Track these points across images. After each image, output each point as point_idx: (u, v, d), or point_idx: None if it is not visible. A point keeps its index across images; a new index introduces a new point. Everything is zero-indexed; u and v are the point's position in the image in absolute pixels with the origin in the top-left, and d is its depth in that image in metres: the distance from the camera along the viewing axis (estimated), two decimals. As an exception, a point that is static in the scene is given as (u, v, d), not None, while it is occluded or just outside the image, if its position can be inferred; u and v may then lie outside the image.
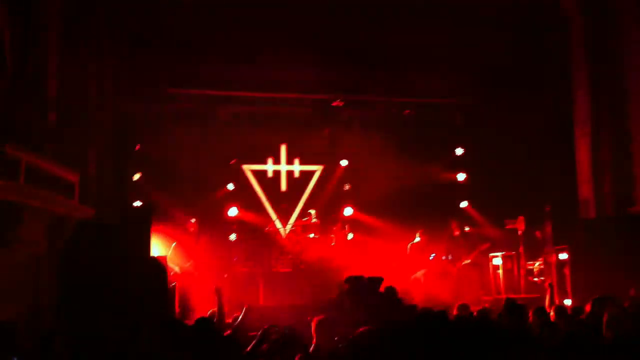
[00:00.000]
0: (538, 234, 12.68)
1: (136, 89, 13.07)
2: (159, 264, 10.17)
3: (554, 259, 11.52)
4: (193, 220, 12.64)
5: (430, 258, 13.07)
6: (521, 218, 12.97)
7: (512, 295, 12.04)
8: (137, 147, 13.53)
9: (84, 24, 10.74)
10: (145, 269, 9.83)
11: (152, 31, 12.65)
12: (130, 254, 9.82)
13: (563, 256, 11.37)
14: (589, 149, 12.18)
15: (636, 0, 11.71)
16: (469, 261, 12.80)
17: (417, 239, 13.24)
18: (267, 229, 13.77)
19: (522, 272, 12.69)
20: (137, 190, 13.23)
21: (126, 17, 12.28)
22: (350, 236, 14.04)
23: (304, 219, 14.02)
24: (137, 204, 13.02)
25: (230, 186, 14.19)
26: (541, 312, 7.14)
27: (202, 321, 6.46)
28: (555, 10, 12.85)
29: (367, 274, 12.36)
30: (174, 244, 12.06)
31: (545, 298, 8.90)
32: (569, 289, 11.06)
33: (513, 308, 6.56)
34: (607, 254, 10.71)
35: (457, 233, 13.37)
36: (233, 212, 13.79)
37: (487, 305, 10.81)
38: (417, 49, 13.47)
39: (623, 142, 11.83)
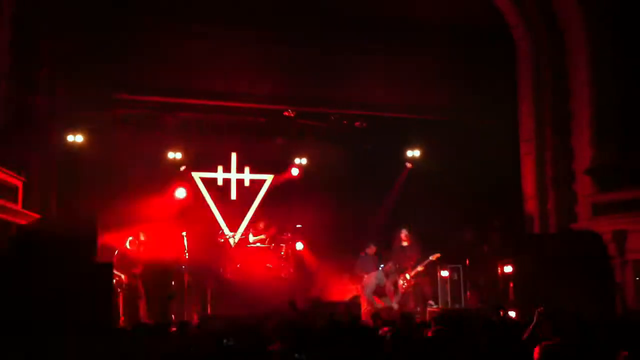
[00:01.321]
0: (484, 247, 12.93)
1: (86, 94, 12.84)
2: (104, 270, 10.05)
3: (500, 272, 11.77)
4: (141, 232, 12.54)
5: (380, 268, 13.21)
6: (468, 230, 13.19)
7: (457, 307, 12.33)
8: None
9: (33, 29, 10.55)
10: (90, 275, 9.67)
11: (102, 37, 12.47)
12: (75, 260, 9.64)
13: (508, 269, 11.62)
14: (533, 166, 12.48)
15: (582, 18, 12.05)
16: (421, 269, 12.93)
17: (366, 252, 13.41)
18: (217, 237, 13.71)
19: (468, 284, 12.91)
20: (83, 195, 12.96)
21: (77, 22, 12.08)
22: (299, 246, 14.07)
23: (254, 230, 14.02)
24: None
25: (181, 193, 14.05)
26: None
27: None
28: (502, 27, 13.13)
29: (312, 284, 12.57)
30: (116, 251, 11.92)
31: None
32: (512, 301, 11.31)
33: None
34: (550, 268, 10.99)
35: (406, 243, 13.48)
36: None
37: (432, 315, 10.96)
38: (369, 62, 13.62)
39: (566, 159, 12.16)
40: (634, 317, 9.54)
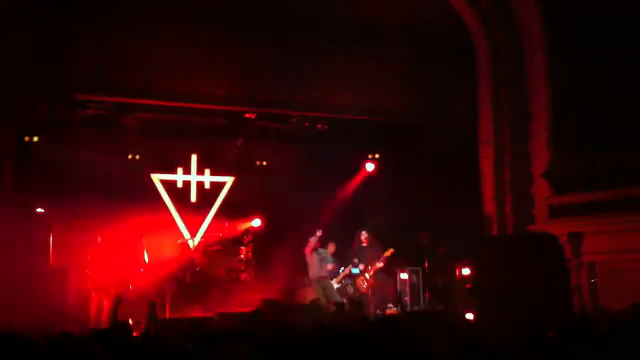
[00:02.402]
0: (442, 249, 13.04)
1: (44, 94, 12.60)
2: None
3: (458, 274, 11.87)
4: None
5: (341, 271, 13.22)
6: (426, 233, 13.28)
7: (415, 309, 12.42)
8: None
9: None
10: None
11: (62, 35, 12.26)
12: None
13: (466, 271, 11.74)
14: (492, 168, 12.63)
15: (541, 24, 12.24)
16: (381, 265, 12.95)
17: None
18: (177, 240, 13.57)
19: (427, 286, 13.01)
20: (40, 196, 12.70)
21: (34, 20, 11.86)
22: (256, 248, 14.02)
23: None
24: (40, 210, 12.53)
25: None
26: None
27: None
28: (463, 31, 13.28)
29: (272, 287, 12.53)
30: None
31: None
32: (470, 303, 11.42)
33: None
34: (508, 270, 11.13)
35: (366, 245, 13.49)
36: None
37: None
38: (331, 64, 13.65)
39: (524, 163, 12.34)
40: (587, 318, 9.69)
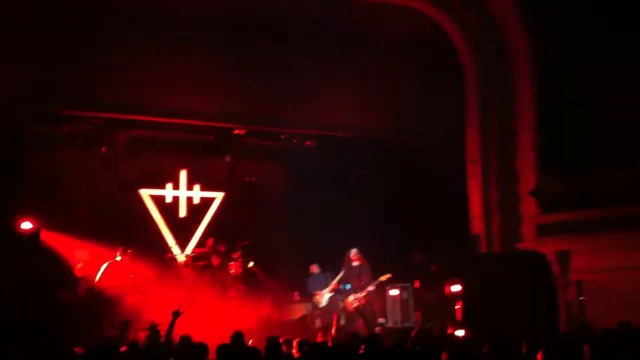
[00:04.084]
0: (434, 267, 13.08)
1: (31, 109, 12.57)
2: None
3: (448, 291, 11.92)
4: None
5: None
6: (418, 250, 13.33)
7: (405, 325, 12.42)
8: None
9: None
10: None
11: (50, 50, 12.25)
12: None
13: (456, 288, 11.79)
14: (479, 187, 12.74)
15: (528, 42, 12.40)
16: (372, 288, 12.97)
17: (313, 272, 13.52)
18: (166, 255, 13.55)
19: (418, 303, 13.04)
20: (26, 212, 12.61)
21: (23, 35, 11.87)
22: (250, 264, 13.98)
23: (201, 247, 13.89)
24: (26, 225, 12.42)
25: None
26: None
27: None
28: (450, 50, 13.41)
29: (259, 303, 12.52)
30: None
31: None
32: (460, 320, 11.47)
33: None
34: (496, 287, 11.21)
35: (357, 263, 13.47)
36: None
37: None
38: (320, 83, 13.73)
39: (511, 181, 12.45)
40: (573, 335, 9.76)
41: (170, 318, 8.12)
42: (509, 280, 11.32)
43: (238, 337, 7.69)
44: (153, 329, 8.65)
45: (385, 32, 13.32)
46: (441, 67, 13.60)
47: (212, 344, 6.96)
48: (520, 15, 12.36)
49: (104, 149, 13.70)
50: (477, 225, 12.69)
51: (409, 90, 14.07)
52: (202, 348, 6.17)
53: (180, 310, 8.18)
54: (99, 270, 12.21)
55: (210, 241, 14.08)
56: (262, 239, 14.32)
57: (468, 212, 12.89)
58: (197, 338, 7.58)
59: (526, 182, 12.27)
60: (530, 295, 11.26)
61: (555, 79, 12.20)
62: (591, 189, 11.42)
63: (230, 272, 13.61)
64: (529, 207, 12.16)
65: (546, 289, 11.53)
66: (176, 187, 14.69)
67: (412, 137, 14.41)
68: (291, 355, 7.73)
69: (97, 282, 12.13)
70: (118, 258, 12.48)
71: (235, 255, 13.86)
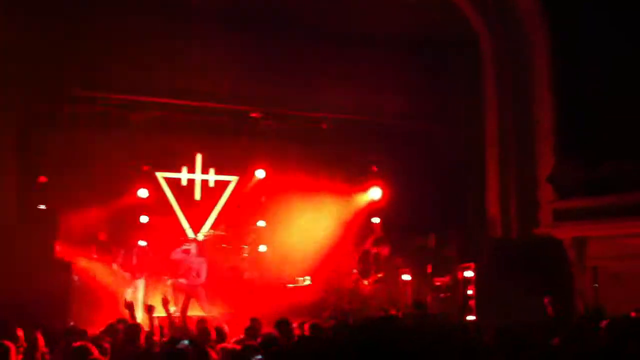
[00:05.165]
0: (448, 252, 12.98)
1: (47, 90, 12.61)
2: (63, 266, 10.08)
3: (460, 276, 11.83)
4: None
5: None
6: (432, 235, 13.25)
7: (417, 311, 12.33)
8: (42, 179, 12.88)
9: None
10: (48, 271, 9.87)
11: (66, 32, 12.29)
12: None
13: (469, 274, 11.69)
14: (497, 171, 12.61)
15: (545, 26, 12.21)
16: (381, 275, 12.94)
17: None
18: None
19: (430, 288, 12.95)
20: (42, 193, 12.66)
21: (38, 18, 11.90)
22: (263, 248, 13.98)
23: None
24: (42, 207, 12.49)
25: (143, 193, 13.78)
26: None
27: None
28: (466, 34, 13.25)
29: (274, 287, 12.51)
30: None
31: None
32: (473, 306, 11.39)
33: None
34: (511, 273, 11.09)
35: (369, 249, 13.46)
36: (144, 219, 13.46)
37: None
38: (336, 67, 13.66)
39: (529, 166, 12.31)
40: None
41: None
42: (524, 266, 11.20)
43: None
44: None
45: (401, 18, 13.19)
46: (458, 51, 13.46)
47: (231, 327, 6.96)
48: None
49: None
50: (493, 209, 12.58)
51: (425, 76, 13.95)
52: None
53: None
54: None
55: (224, 225, 14.10)
56: (275, 223, 14.31)
57: (483, 198, 12.77)
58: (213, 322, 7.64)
59: (544, 166, 12.13)
60: (545, 281, 11.13)
61: (574, 64, 12.03)
62: (608, 176, 11.27)
63: (244, 255, 13.63)
64: (546, 192, 12.02)
65: (562, 275, 11.41)
66: (191, 170, 14.69)
67: (428, 121, 14.28)
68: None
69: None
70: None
71: (249, 238, 13.88)
